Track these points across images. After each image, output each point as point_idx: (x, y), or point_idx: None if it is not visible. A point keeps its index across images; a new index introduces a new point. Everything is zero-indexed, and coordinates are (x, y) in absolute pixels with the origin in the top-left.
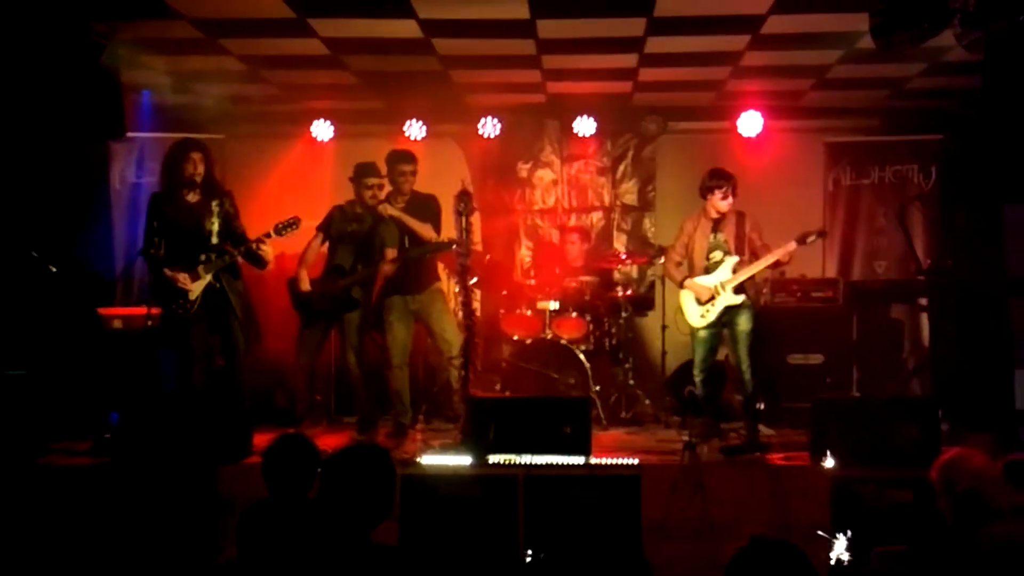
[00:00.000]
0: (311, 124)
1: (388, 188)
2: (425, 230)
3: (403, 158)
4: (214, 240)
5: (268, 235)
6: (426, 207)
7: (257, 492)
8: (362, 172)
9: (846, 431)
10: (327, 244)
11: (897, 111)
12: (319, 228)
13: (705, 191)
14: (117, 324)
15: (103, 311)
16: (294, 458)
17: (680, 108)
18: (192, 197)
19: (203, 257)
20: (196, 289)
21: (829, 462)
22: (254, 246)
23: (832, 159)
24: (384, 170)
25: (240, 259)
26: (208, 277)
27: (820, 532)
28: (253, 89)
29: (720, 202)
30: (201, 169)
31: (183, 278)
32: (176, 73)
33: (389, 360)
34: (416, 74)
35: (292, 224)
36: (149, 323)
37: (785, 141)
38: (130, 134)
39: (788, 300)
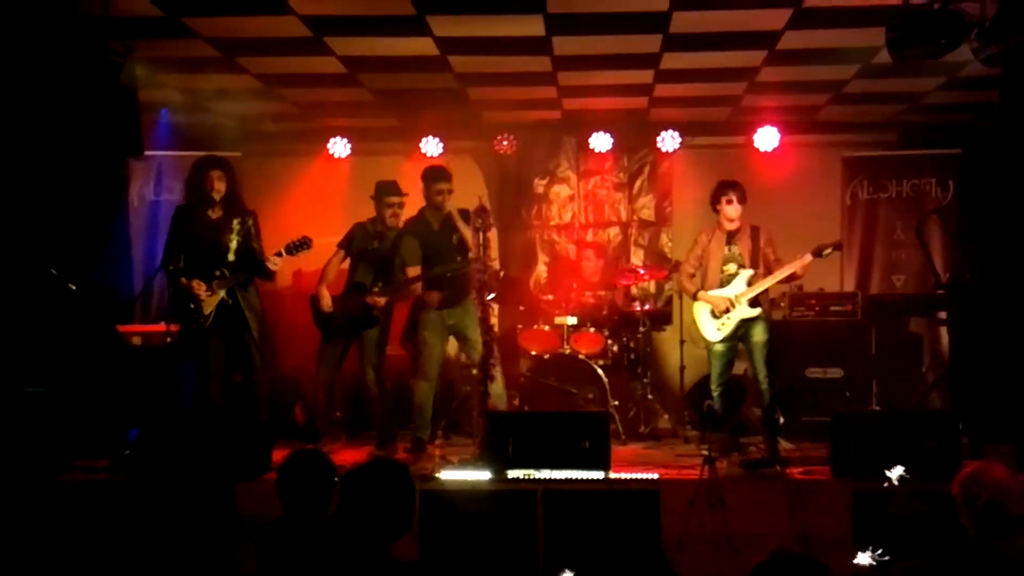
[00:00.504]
0: (328, 141)
1: (406, 206)
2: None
3: (439, 176)
4: (231, 257)
5: (279, 254)
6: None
7: (276, 509)
8: (383, 191)
9: (866, 445)
10: (348, 261)
11: (914, 125)
12: (340, 245)
13: (714, 203)
14: (136, 341)
15: (122, 328)
16: (309, 474)
17: (697, 123)
18: (214, 213)
19: (218, 273)
20: (211, 303)
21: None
22: (268, 265)
23: (849, 173)
24: (403, 188)
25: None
26: (221, 293)
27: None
28: (270, 107)
29: (730, 209)
30: (221, 187)
31: (196, 285)
32: (193, 91)
33: (421, 372)
34: (432, 91)
35: (303, 244)
36: (168, 340)
37: (802, 155)
38: (148, 152)
39: (807, 314)
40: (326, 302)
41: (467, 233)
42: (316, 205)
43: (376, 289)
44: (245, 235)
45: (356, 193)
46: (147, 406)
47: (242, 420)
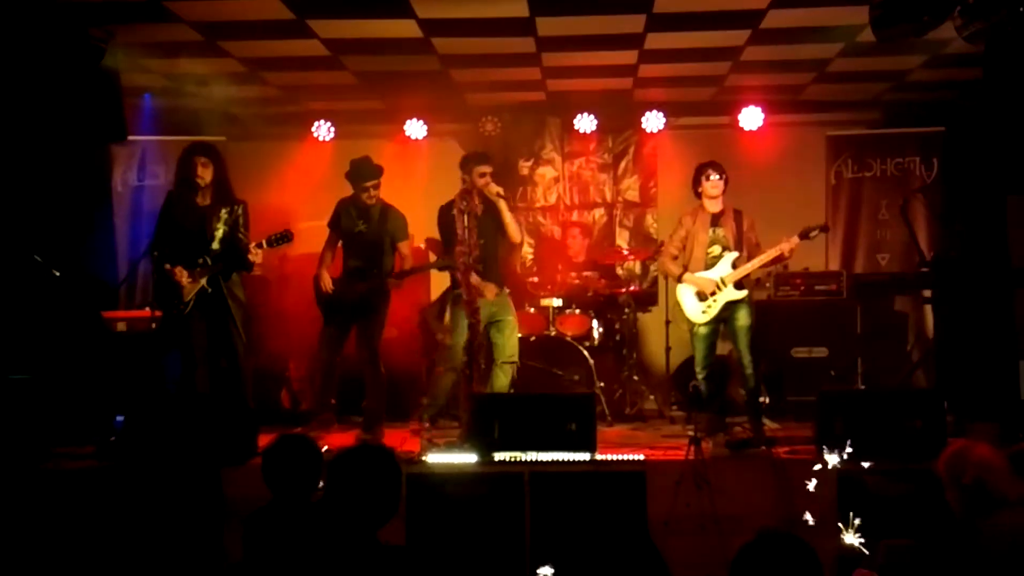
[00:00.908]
0: (312, 125)
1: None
2: (514, 229)
3: (481, 159)
4: (215, 246)
5: (260, 245)
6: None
7: (263, 494)
8: (360, 173)
9: (851, 424)
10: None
11: (898, 103)
12: (330, 225)
13: (696, 184)
14: (121, 327)
15: (107, 314)
16: (294, 459)
17: (681, 103)
18: (202, 200)
19: (200, 261)
20: (191, 291)
21: (832, 459)
22: (248, 256)
23: (834, 152)
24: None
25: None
26: (203, 282)
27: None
28: (253, 91)
29: (710, 185)
30: (206, 173)
31: (179, 272)
32: (176, 76)
33: (448, 361)
34: (416, 73)
35: (283, 238)
36: (153, 326)
37: (786, 135)
38: (131, 137)
39: (792, 294)
40: (327, 284)
41: (508, 217)
42: (301, 189)
43: (393, 279)
44: (232, 224)
45: (341, 177)
46: (132, 392)
47: (227, 406)
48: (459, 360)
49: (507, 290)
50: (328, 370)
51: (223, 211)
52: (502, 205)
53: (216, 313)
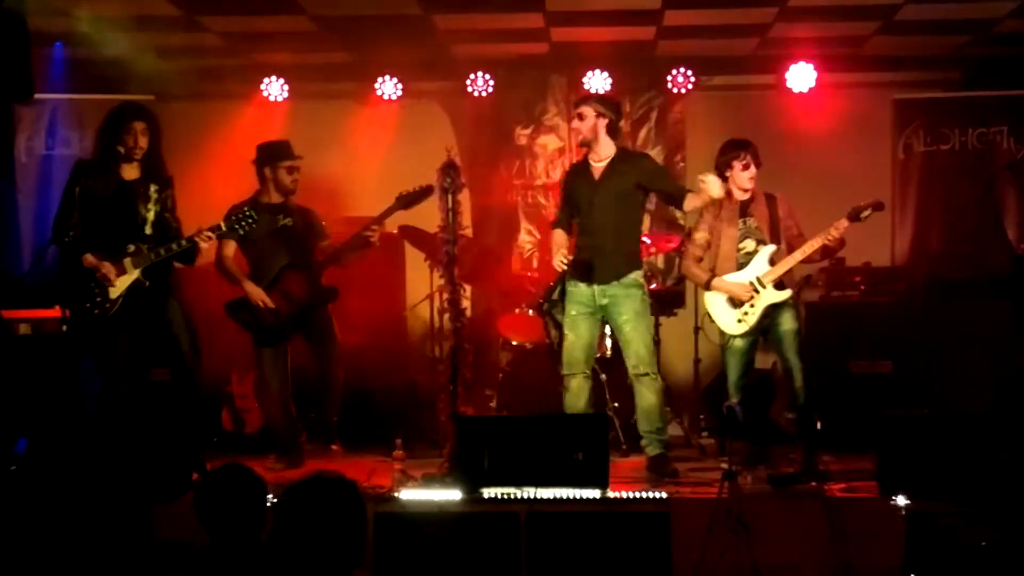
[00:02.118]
0: (261, 82)
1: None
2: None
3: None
4: (148, 230)
5: (216, 228)
6: None
7: (201, 536)
8: (274, 154)
9: (921, 455)
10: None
11: (982, 60)
12: (227, 234)
13: (723, 168)
14: (25, 329)
15: (6, 313)
16: (233, 494)
17: (715, 59)
18: (129, 174)
19: (132, 248)
20: (120, 286)
21: (899, 498)
22: (197, 239)
23: (903, 120)
24: (362, 137)
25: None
26: (136, 273)
27: None
28: (190, 39)
29: (742, 175)
30: (144, 143)
31: (107, 268)
32: (95, 20)
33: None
34: (390, 19)
35: (248, 219)
36: (64, 328)
37: (844, 98)
38: (39, 96)
39: (850, 295)
40: (264, 297)
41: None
42: (244, 159)
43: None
44: (163, 204)
45: (295, 144)
46: (40, 410)
47: (159, 428)
48: (585, 366)
49: (639, 274)
50: (286, 399)
51: (152, 188)
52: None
53: (152, 313)
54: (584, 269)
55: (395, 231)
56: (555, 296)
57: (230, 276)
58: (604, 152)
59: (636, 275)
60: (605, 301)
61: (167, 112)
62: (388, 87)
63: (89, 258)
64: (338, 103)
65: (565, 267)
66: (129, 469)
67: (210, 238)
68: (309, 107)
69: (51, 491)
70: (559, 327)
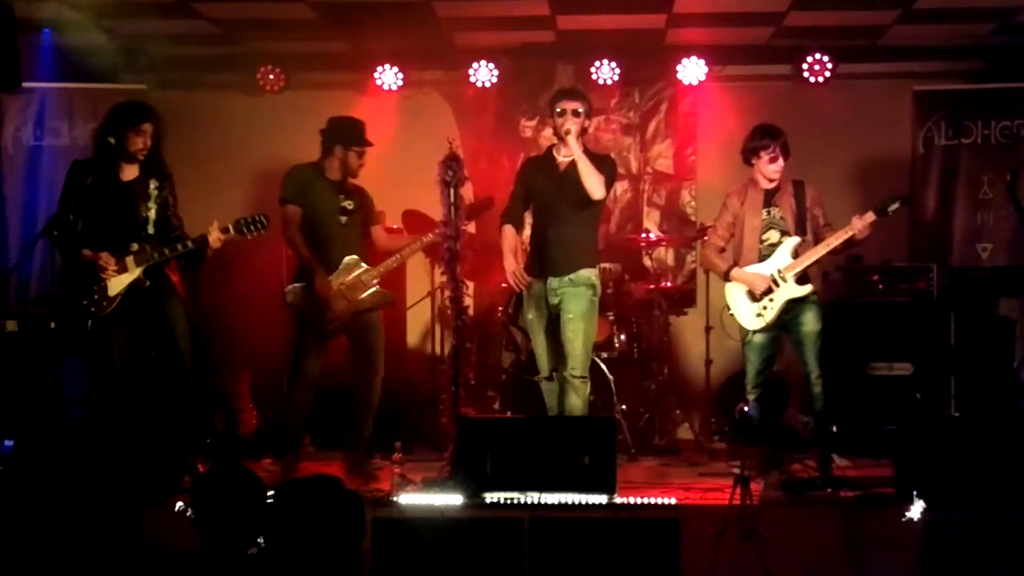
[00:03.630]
0: (258, 71)
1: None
2: (593, 180)
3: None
4: (151, 230)
5: (226, 230)
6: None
7: (190, 540)
8: (350, 136)
9: (941, 460)
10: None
11: (1006, 50)
12: (291, 199)
13: (749, 155)
14: (11, 327)
15: None
16: (230, 496)
17: (727, 48)
18: (129, 173)
19: (135, 247)
20: (119, 284)
21: (918, 505)
22: (204, 241)
23: (923, 112)
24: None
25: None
26: (137, 272)
27: None
28: (183, 27)
29: (769, 167)
30: (150, 143)
31: (106, 258)
32: (85, 6)
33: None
34: (390, 6)
35: (257, 223)
36: (52, 325)
37: (862, 90)
38: (26, 84)
39: (868, 293)
40: (325, 287)
41: (585, 165)
42: (241, 152)
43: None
44: (163, 203)
45: (293, 136)
46: (25, 411)
47: (149, 431)
48: (549, 368)
49: (592, 273)
50: (308, 406)
51: (152, 185)
52: (573, 146)
53: (151, 312)
54: (538, 262)
55: (396, 226)
56: (512, 307)
57: (304, 255)
58: (573, 150)
59: (590, 273)
60: (556, 300)
61: (159, 102)
62: (388, 76)
63: (86, 251)
64: (336, 93)
65: (522, 290)
66: (116, 472)
67: (217, 239)
68: (306, 97)
69: (36, 494)
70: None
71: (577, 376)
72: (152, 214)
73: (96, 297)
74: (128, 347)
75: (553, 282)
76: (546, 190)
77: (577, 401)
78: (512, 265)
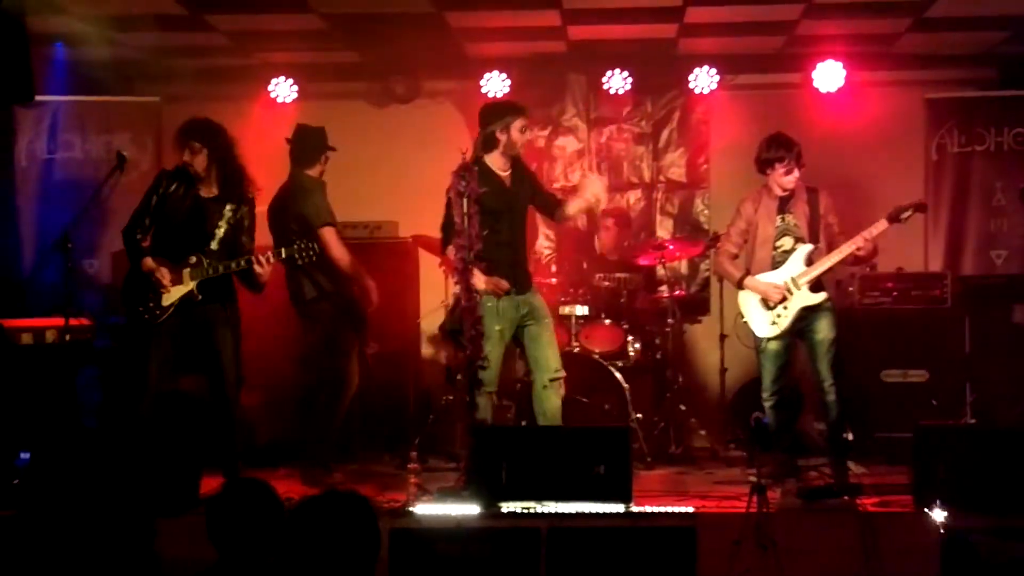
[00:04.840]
0: (269, 82)
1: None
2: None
3: (518, 111)
4: (214, 246)
5: (279, 254)
6: None
7: (206, 553)
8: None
9: (958, 468)
10: None
11: (1019, 58)
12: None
13: (763, 165)
14: (27, 339)
15: (8, 322)
16: (249, 509)
17: (739, 57)
18: (207, 191)
19: (193, 259)
20: (174, 295)
21: (935, 513)
22: (254, 262)
23: (936, 120)
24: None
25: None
26: (191, 285)
27: None
28: (196, 39)
29: (784, 179)
30: (200, 162)
31: (163, 273)
32: (98, 19)
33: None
34: (402, 17)
35: (309, 251)
36: (68, 337)
37: (874, 98)
38: (40, 98)
39: (882, 301)
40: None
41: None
42: (253, 162)
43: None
44: (235, 224)
45: None
46: (42, 423)
47: (173, 442)
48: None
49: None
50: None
51: (227, 207)
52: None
53: (197, 329)
54: (511, 278)
55: (410, 239)
56: (452, 320)
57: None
58: (508, 161)
59: None
60: (525, 311)
61: (172, 114)
62: (399, 87)
63: (149, 261)
64: (348, 103)
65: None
66: (134, 483)
67: (269, 261)
68: (318, 108)
69: (52, 504)
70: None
71: (561, 376)
72: (220, 232)
73: (151, 305)
74: (166, 363)
75: (526, 296)
76: (499, 206)
77: (558, 401)
78: (482, 277)
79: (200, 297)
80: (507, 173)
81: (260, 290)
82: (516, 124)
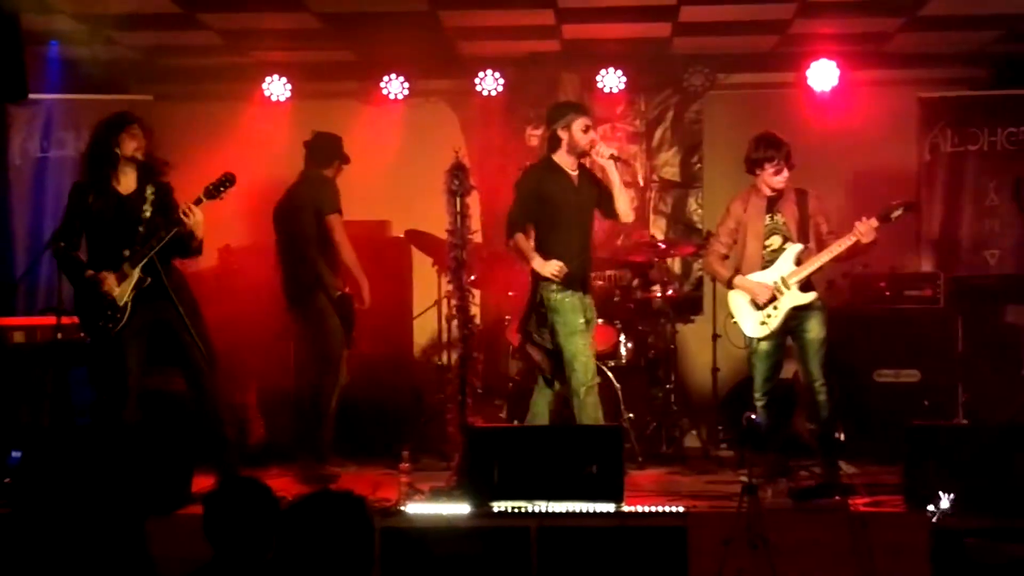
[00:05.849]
0: (263, 81)
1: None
2: (626, 204)
3: (580, 110)
4: (142, 229)
5: (199, 200)
6: None
7: (200, 551)
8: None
9: (949, 468)
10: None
11: (1012, 58)
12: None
13: (752, 165)
14: (18, 337)
15: (0, 321)
16: (245, 508)
17: (733, 56)
18: (127, 185)
19: (127, 252)
20: (124, 293)
21: (929, 513)
22: (181, 217)
23: (928, 119)
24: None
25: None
26: (136, 273)
27: None
28: (189, 37)
29: (774, 179)
30: (141, 147)
31: (110, 281)
32: (91, 18)
33: (573, 384)
34: (396, 16)
35: (225, 183)
36: (59, 336)
37: (867, 97)
38: (33, 96)
39: (875, 301)
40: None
41: (619, 188)
42: (247, 162)
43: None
44: (157, 205)
45: (299, 146)
46: (33, 421)
47: (160, 440)
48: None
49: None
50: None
51: (148, 191)
52: (613, 172)
53: (160, 312)
54: (579, 278)
55: (402, 235)
56: (532, 322)
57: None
58: (612, 175)
59: None
60: (590, 314)
61: (166, 112)
62: (394, 86)
63: (90, 272)
64: (342, 102)
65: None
66: (123, 481)
67: (191, 210)
68: (312, 107)
69: (44, 503)
70: (545, 348)
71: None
72: (147, 214)
73: (109, 314)
74: (141, 363)
75: (588, 297)
76: (566, 201)
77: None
78: (544, 261)
79: (149, 280)
80: (576, 172)
81: (198, 252)
82: (577, 123)
